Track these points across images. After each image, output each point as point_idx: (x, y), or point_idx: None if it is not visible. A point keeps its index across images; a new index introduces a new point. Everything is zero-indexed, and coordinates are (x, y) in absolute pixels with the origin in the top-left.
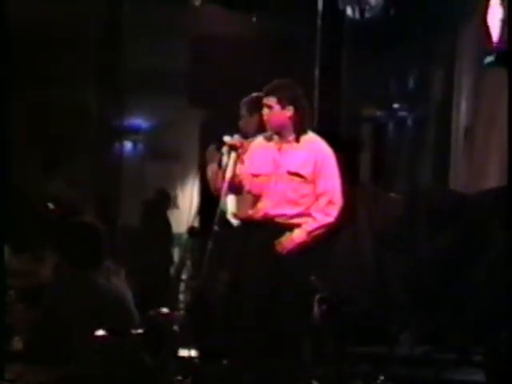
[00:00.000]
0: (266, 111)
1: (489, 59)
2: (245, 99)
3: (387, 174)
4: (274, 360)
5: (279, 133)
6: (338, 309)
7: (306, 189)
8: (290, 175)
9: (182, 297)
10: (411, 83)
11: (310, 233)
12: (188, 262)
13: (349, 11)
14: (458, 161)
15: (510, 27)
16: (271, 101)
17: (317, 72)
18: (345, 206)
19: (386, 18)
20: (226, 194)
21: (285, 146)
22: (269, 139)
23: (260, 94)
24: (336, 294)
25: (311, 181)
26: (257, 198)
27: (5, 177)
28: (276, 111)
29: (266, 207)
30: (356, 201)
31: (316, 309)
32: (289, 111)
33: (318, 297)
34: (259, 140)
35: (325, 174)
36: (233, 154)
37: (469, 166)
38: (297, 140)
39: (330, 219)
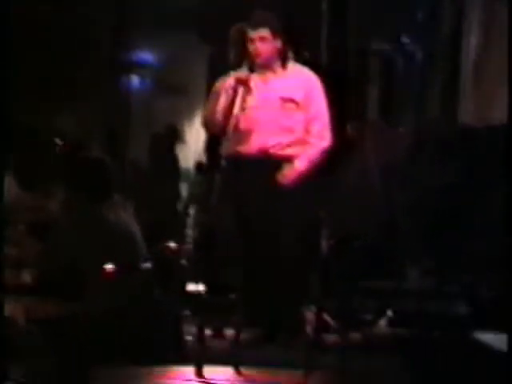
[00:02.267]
0: (257, 45)
1: None
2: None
3: (395, 108)
4: (283, 295)
5: (267, 65)
6: (347, 243)
7: (298, 115)
8: (284, 101)
9: (189, 231)
10: (420, 16)
11: (310, 160)
12: (195, 197)
13: None
14: (468, 95)
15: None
16: (264, 33)
17: (324, 5)
18: (338, 130)
19: None
20: (234, 129)
21: (271, 76)
22: (251, 71)
23: (242, 25)
24: (344, 229)
25: (303, 106)
26: (245, 133)
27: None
28: (269, 43)
29: (260, 139)
30: (362, 134)
31: (324, 244)
32: (278, 42)
33: (326, 231)
34: (240, 74)
35: (316, 99)
36: (241, 89)
37: (478, 100)
38: (283, 68)
39: (326, 143)
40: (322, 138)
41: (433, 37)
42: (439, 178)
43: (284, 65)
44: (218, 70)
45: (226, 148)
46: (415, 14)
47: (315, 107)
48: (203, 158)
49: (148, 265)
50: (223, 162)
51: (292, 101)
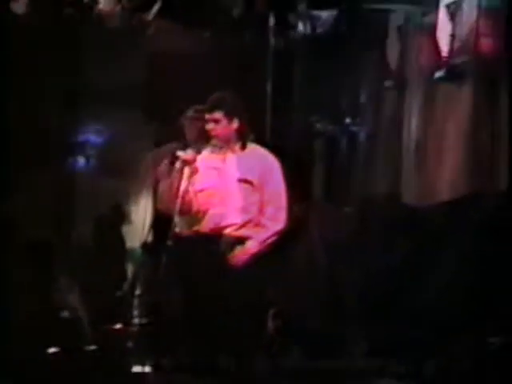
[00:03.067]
0: (211, 126)
1: (438, 74)
2: (185, 114)
3: (340, 188)
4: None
5: (225, 144)
6: (292, 323)
7: (254, 196)
8: (239, 182)
9: (135, 312)
10: (363, 97)
11: (262, 242)
12: (141, 277)
13: (300, 27)
14: (410, 174)
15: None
16: (218, 115)
17: (269, 87)
18: (290, 212)
19: (337, 34)
20: (181, 209)
21: (229, 155)
22: (212, 152)
23: (200, 107)
24: (290, 309)
25: (258, 187)
26: (201, 213)
27: None
28: (223, 125)
29: (215, 219)
30: (308, 215)
31: (270, 323)
32: (235, 124)
33: (272, 311)
34: (203, 155)
35: (271, 180)
36: (186, 170)
37: (420, 179)
38: (242, 148)
39: (280, 225)
40: (276, 220)
41: (375, 118)
42: (385, 257)
43: (243, 145)
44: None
45: (180, 227)
46: (357, 96)
47: (270, 189)
48: (149, 238)
49: (92, 346)
50: (170, 242)
51: (248, 182)
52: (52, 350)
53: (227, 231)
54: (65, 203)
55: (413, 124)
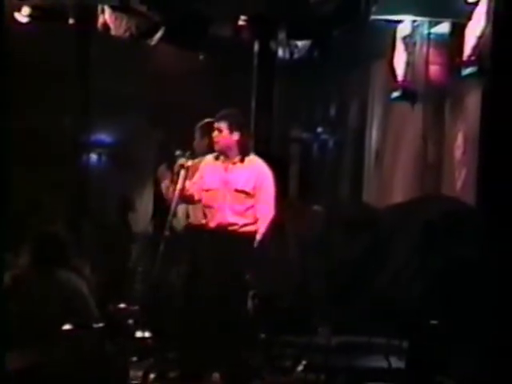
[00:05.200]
0: (216, 134)
1: (395, 94)
2: (199, 124)
3: (311, 189)
4: (219, 342)
5: (225, 153)
6: (268, 303)
7: (250, 202)
8: (237, 192)
9: (137, 292)
10: (332, 111)
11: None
12: (143, 261)
13: (280, 52)
14: (370, 178)
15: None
16: (222, 125)
17: (253, 102)
18: (276, 214)
19: (311, 58)
20: (176, 205)
21: (231, 166)
22: (216, 158)
23: (211, 119)
24: (267, 291)
25: (253, 195)
26: (209, 209)
27: None
28: (225, 134)
29: (219, 218)
30: (285, 212)
31: (250, 303)
32: (236, 136)
33: (252, 293)
34: (209, 159)
35: (264, 189)
36: (182, 172)
37: (379, 183)
38: (241, 161)
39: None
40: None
41: (342, 129)
42: (347, 250)
43: (242, 158)
44: (163, 150)
45: (191, 219)
46: (328, 110)
47: (263, 196)
48: (150, 227)
49: (100, 324)
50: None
51: (244, 192)
52: (66, 326)
53: (231, 228)
54: (80, 193)
55: (374, 134)
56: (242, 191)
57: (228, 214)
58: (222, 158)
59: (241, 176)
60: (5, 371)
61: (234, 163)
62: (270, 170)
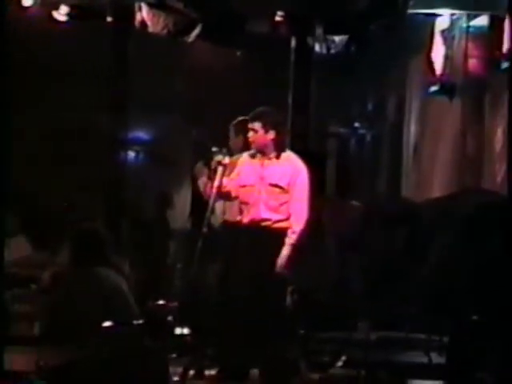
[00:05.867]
0: (251, 134)
1: (433, 89)
2: (233, 122)
3: (349, 184)
4: (258, 340)
5: (262, 151)
6: (307, 299)
7: (284, 198)
8: (272, 186)
9: (176, 289)
10: (370, 106)
11: (293, 245)
12: (181, 258)
13: (317, 48)
14: (409, 173)
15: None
16: (256, 126)
17: (290, 98)
18: (312, 211)
19: (348, 53)
20: (214, 201)
21: (267, 162)
22: (253, 156)
23: (245, 117)
24: (305, 287)
25: (288, 190)
26: (244, 205)
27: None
28: (260, 134)
29: (253, 213)
30: (323, 208)
31: (289, 298)
32: (271, 134)
33: (290, 288)
34: (245, 157)
35: (298, 185)
36: (220, 169)
37: (417, 177)
38: (277, 157)
39: (301, 226)
40: (299, 221)
41: (380, 124)
42: (385, 245)
43: (278, 154)
44: (199, 148)
45: (227, 215)
46: (365, 105)
47: (296, 192)
48: (188, 224)
49: (140, 321)
50: (206, 229)
51: (279, 187)
52: (107, 323)
53: (264, 224)
54: (118, 190)
55: (412, 129)
56: (277, 185)
57: (262, 209)
58: (258, 155)
59: (276, 171)
60: (5, 371)
61: (270, 159)
62: (305, 167)
